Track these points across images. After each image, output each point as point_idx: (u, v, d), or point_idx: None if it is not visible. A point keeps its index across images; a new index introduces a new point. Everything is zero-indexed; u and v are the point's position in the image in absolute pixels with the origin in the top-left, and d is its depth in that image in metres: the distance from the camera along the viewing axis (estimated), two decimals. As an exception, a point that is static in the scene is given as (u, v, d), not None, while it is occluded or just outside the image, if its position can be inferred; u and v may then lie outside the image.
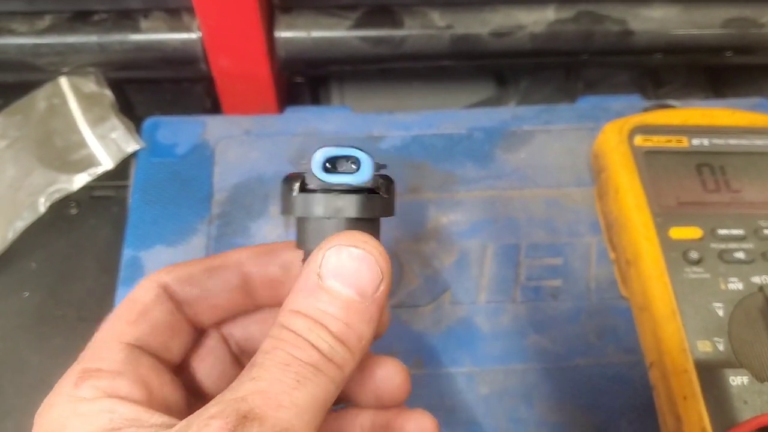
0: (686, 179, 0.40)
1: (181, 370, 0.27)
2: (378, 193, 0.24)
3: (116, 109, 0.49)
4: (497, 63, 0.52)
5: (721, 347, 0.34)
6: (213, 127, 0.48)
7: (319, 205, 0.23)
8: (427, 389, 0.39)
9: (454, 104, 0.58)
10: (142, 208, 0.44)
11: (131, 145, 0.47)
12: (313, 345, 0.21)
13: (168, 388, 0.24)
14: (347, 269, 0.22)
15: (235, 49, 0.48)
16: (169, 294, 0.26)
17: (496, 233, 0.44)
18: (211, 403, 0.20)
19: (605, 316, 0.41)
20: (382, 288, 0.22)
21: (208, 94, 0.56)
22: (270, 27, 0.49)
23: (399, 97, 0.59)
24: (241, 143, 0.47)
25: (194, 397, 0.27)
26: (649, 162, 0.40)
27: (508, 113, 0.50)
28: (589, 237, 0.44)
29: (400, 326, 0.41)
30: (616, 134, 0.41)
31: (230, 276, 0.27)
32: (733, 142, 0.41)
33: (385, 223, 0.44)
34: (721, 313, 0.35)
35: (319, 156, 0.23)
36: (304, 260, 0.24)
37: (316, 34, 0.49)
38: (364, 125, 0.49)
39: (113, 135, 0.47)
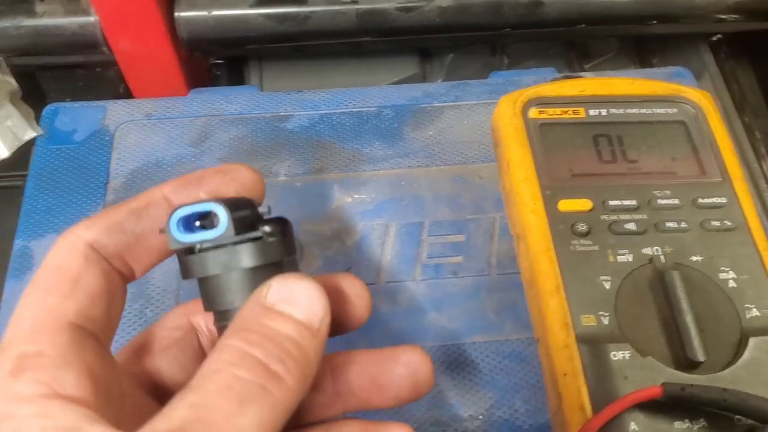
0: (582, 151, 0.39)
1: (140, 359, 0.25)
2: (260, 238, 0.23)
3: (16, 97, 0.48)
4: (409, 39, 0.51)
5: (605, 321, 0.34)
6: (114, 111, 0.47)
7: (214, 263, 0.23)
8: (321, 372, 0.38)
9: (377, 82, 0.57)
10: (36, 197, 0.43)
11: (28, 133, 0.46)
12: (260, 361, 0.19)
13: (111, 375, 0.22)
14: (295, 296, 0.21)
15: (134, 32, 0.47)
16: (97, 251, 0.22)
17: (401, 212, 0.43)
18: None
19: (505, 292, 0.40)
20: (325, 323, 0.22)
21: (122, 79, 0.55)
22: (170, 7, 0.47)
23: (320, 77, 0.58)
24: (142, 127, 0.46)
25: (147, 386, 0.25)
26: (544, 134, 0.39)
27: (419, 90, 0.49)
28: (494, 213, 0.43)
29: (295, 309, 0.40)
30: (509, 107, 0.40)
31: (160, 212, 0.24)
32: (632, 111, 0.40)
33: (285, 203, 0.44)
34: (608, 286, 0.34)
35: (174, 218, 0.22)
36: (215, 322, 0.24)
37: (218, 12, 0.48)
38: (270, 105, 0.48)
39: (8, 123, 0.46)
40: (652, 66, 0.61)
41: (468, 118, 0.47)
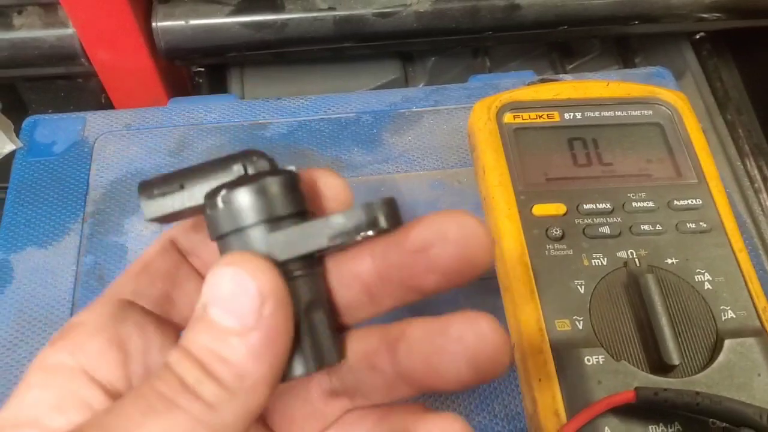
0: (556, 155, 0.39)
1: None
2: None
3: (-5, 110, 0.48)
4: (388, 44, 0.51)
5: (580, 326, 0.34)
6: (93, 123, 0.47)
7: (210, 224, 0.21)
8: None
9: (360, 87, 0.57)
10: (16, 210, 0.43)
11: (7, 146, 0.46)
12: (176, 375, 0.18)
13: (157, 351, 0.22)
14: (223, 293, 0.19)
15: (112, 43, 0.47)
16: (175, 246, 0.24)
17: (379, 218, 0.43)
18: None
19: (484, 297, 0.40)
20: (266, 312, 0.19)
21: (102, 89, 0.55)
22: (147, 17, 0.47)
23: (302, 82, 0.58)
24: (121, 138, 0.46)
25: None
26: (518, 139, 0.39)
27: (398, 95, 0.49)
28: (473, 218, 0.43)
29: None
30: (484, 112, 0.40)
31: None
32: (607, 114, 0.40)
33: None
34: (582, 290, 0.34)
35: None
36: None
37: (195, 22, 0.48)
38: (249, 113, 0.48)
39: (-13, 136, 0.46)
40: (635, 65, 0.60)
41: (447, 122, 0.47)
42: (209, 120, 0.47)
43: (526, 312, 0.34)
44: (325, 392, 0.23)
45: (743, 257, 0.36)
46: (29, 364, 0.38)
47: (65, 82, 0.55)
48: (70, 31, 0.47)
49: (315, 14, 0.48)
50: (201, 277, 0.24)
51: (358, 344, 0.23)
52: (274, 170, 0.21)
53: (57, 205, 0.43)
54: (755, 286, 0.35)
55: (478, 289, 0.41)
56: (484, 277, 0.41)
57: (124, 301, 0.22)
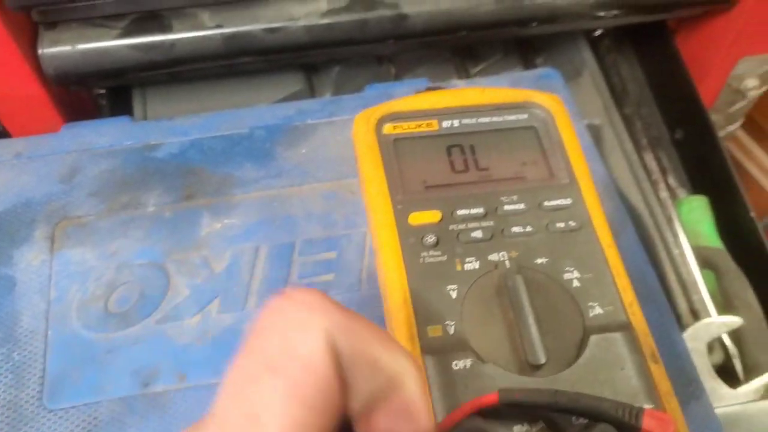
0: (435, 163, 0.40)
1: None
2: None
3: None
4: (282, 58, 0.51)
5: (451, 331, 0.34)
6: (-18, 153, 0.47)
7: None
8: (191, 403, 0.38)
9: (264, 100, 0.58)
10: None
11: None
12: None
13: None
14: None
15: (-3, 72, 0.47)
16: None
17: (272, 233, 0.44)
18: None
19: (374, 306, 0.41)
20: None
21: (-1, 118, 0.55)
22: (33, 45, 0.47)
23: (205, 99, 0.58)
24: (12, 167, 0.46)
25: None
26: (398, 149, 0.40)
27: (292, 108, 0.49)
28: (365, 227, 0.44)
29: (165, 341, 0.40)
30: (363, 125, 0.40)
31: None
32: (484, 120, 0.41)
33: (154, 235, 0.43)
34: (454, 295, 0.35)
35: None
36: None
37: (83, 46, 0.48)
38: (141, 134, 0.48)
39: None
40: (536, 66, 0.62)
41: (342, 133, 0.48)
42: (101, 144, 0.47)
43: (400, 320, 0.35)
44: None
45: (612, 253, 0.37)
46: None
47: (-39, 112, 0.55)
48: (-46, 61, 0.46)
49: (203, 33, 0.48)
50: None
51: None
52: None
53: (-56, 239, 0.43)
54: (623, 281, 0.36)
55: (370, 298, 0.41)
56: (376, 287, 0.42)
57: None
